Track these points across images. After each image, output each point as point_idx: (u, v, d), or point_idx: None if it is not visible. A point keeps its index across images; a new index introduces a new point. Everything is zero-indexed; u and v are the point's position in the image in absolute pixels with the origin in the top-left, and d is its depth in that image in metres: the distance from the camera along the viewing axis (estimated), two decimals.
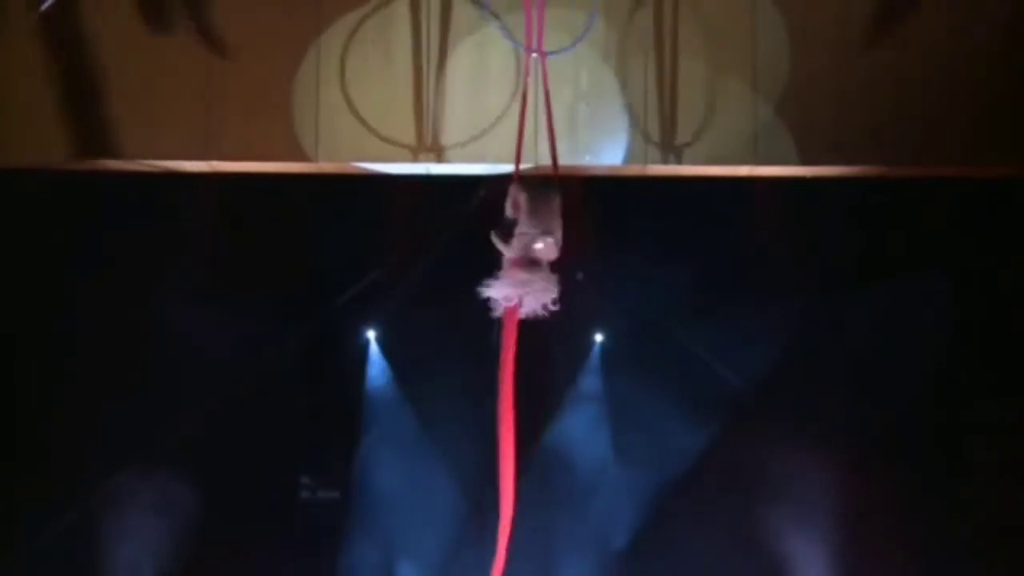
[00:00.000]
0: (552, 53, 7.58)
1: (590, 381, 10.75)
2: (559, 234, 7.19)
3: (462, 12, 8.05)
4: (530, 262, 7.16)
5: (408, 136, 8.10)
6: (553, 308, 7.20)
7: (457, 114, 8.08)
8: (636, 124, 8.13)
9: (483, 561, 10.31)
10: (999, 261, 9.93)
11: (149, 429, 10.05)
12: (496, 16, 7.88)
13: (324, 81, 8.10)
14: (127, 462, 10.04)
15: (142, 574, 10.00)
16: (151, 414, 10.05)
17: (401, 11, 8.13)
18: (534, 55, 7.53)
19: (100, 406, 10.03)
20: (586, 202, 9.94)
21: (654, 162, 8.21)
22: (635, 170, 8.37)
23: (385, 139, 8.11)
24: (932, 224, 10.02)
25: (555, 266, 7.29)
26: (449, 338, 10.26)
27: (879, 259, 10.18)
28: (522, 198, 7.19)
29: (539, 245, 7.16)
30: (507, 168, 7.53)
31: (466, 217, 9.72)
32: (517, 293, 7.12)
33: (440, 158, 8.11)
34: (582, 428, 10.63)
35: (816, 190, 9.02)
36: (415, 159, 8.11)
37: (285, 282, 10.30)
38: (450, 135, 8.09)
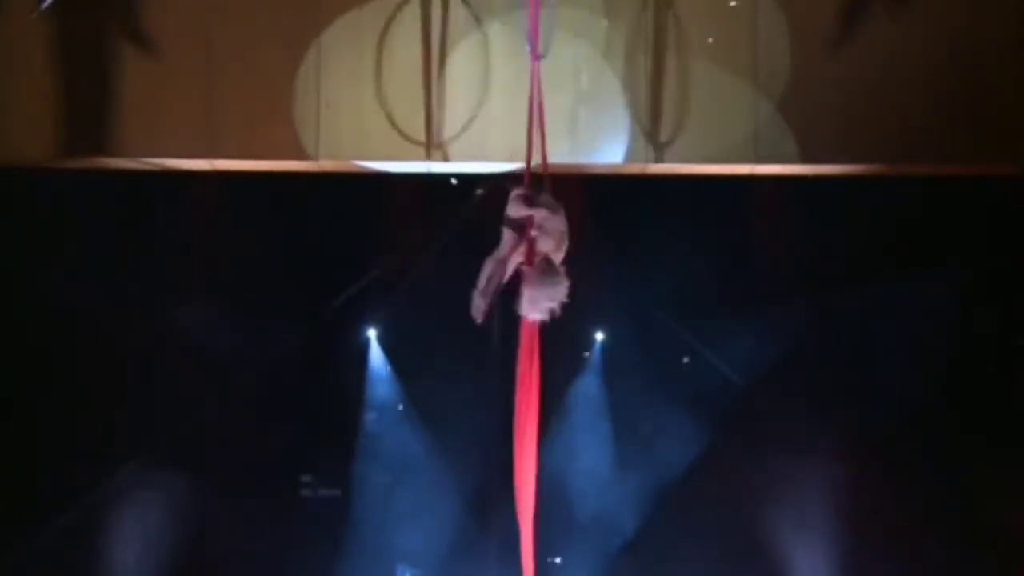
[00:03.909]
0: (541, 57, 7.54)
1: (590, 381, 10.75)
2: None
3: (462, 11, 8.05)
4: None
5: (408, 135, 8.10)
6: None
7: (457, 113, 8.08)
8: (636, 124, 8.13)
9: (483, 559, 10.35)
10: (1001, 260, 9.92)
11: (149, 428, 10.05)
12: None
13: (324, 80, 8.10)
14: (127, 461, 10.04)
15: (142, 573, 10.00)
16: (151, 413, 10.05)
17: (401, 10, 8.13)
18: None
19: (100, 405, 10.03)
20: (586, 202, 9.95)
21: (654, 161, 8.21)
22: (635, 169, 8.37)
23: (385, 138, 8.11)
24: (933, 223, 10.02)
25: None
26: (449, 338, 10.26)
27: (880, 258, 10.18)
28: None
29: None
30: (507, 167, 7.52)
31: (466, 216, 9.73)
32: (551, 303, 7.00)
33: (440, 157, 8.11)
34: (582, 427, 10.64)
35: (817, 189, 9.03)
36: (415, 158, 8.11)
37: (285, 282, 10.30)
38: (450, 134, 8.09)
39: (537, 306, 6.80)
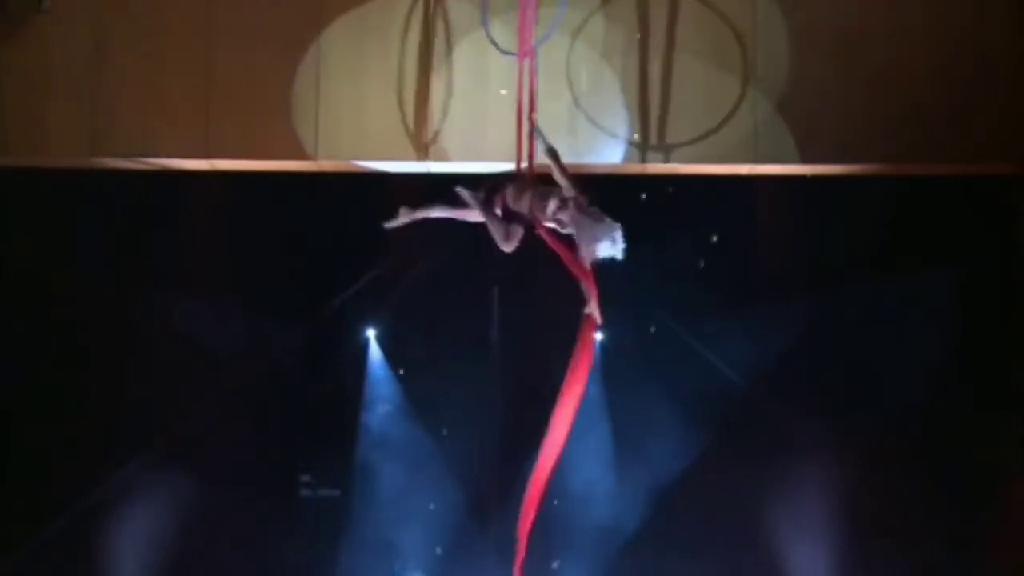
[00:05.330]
0: (537, 43, 7.56)
1: (590, 381, 10.72)
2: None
3: (461, 11, 8.06)
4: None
5: (408, 135, 8.11)
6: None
7: (456, 112, 8.09)
8: (636, 124, 8.14)
9: (483, 559, 10.35)
10: (999, 260, 9.91)
11: (150, 428, 10.05)
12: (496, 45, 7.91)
13: (324, 80, 8.12)
14: (128, 460, 10.04)
15: (142, 573, 10.01)
16: (152, 413, 10.05)
17: (401, 10, 8.15)
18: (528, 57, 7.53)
19: (99, 405, 10.04)
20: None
21: (653, 161, 8.22)
22: (635, 169, 8.38)
23: (385, 138, 8.12)
24: (932, 223, 10.01)
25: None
26: (449, 337, 10.27)
27: (879, 258, 10.17)
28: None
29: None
30: (506, 166, 7.52)
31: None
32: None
33: (440, 156, 8.12)
34: (581, 428, 10.61)
35: (816, 189, 9.04)
36: (415, 157, 8.12)
37: (284, 282, 10.30)
38: (449, 133, 8.10)
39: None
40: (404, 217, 7.36)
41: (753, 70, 8.15)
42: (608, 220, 7.00)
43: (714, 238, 10.32)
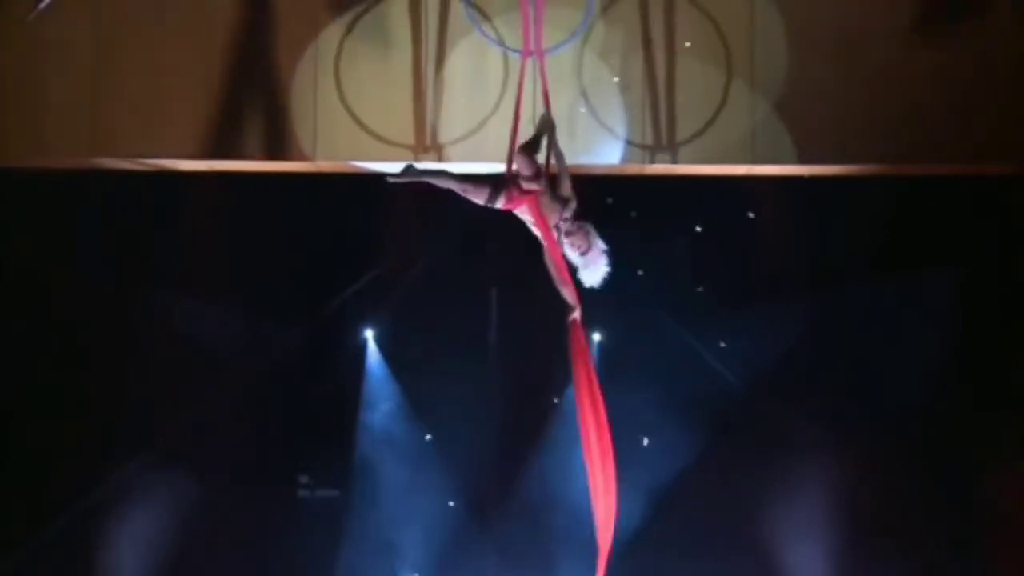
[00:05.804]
0: (548, 51, 7.58)
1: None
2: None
3: (460, 12, 8.05)
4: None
5: (406, 135, 8.12)
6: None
7: (455, 113, 8.10)
8: (636, 123, 8.14)
9: (481, 559, 10.36)
10: (999, 260, 9.91)
11: (150, 428, 10.06)
12: (494, 39, 7.92)
13: (322, 81, 8.12)
14: (128, 460, 10.05)
15: (143, 572, 10.01)
16: (151, 413, 10.06)
17: (399, 11, 8.15)
18: (531, 56, 7.53)
19: (100, 405, 10.04)
20: (585, 202, 9.93)
21: (653, 161, 8.22)
22: (635, 169, 8.38)
23: (383, 138, 8.12)
24: (931, 223, 10.01)
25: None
26: (448, 338, 10.27)
27: (879, 258, 10.17)
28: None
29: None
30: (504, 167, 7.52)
31: (464, 216, 9.72)
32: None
33: (438, 157, 8.13)
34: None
35: (814, 189, 9.04)
36: (413, 158, 8.11)
37: (284, 282, 10.30)
38: (448, 134, 8.11)
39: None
40: (410, 175, 7.31)
41: (752, 70, 8.15)
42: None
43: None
